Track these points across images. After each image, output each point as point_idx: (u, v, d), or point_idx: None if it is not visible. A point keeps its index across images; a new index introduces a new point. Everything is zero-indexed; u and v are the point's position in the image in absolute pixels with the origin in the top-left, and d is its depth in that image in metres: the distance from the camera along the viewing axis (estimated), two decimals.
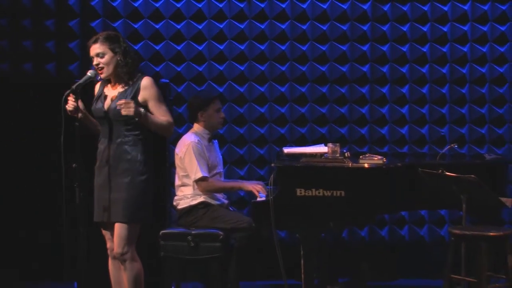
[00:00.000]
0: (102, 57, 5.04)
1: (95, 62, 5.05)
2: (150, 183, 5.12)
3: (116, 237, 5.06)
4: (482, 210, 5.53)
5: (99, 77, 5.09)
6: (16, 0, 6.76)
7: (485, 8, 6.99)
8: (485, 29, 6.99)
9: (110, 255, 5.24)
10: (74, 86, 4.89)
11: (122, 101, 4.91)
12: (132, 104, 4.90)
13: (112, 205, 5.04)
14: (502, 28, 6.99)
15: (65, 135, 4.77)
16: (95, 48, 5.05)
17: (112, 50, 5.05)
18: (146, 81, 5.08)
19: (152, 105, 5.08)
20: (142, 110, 4.97)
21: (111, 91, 5.12)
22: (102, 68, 5.04)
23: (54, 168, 5.19)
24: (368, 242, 7.07)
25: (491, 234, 5.06)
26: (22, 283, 6.50)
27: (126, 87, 5.07)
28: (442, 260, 5.35)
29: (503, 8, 6.98)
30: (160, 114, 5.08)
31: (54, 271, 6.58)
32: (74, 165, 4.85)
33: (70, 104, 4.90)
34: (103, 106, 5.09)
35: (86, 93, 5.16)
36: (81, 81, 4.97)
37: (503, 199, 5.34)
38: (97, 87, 5.22)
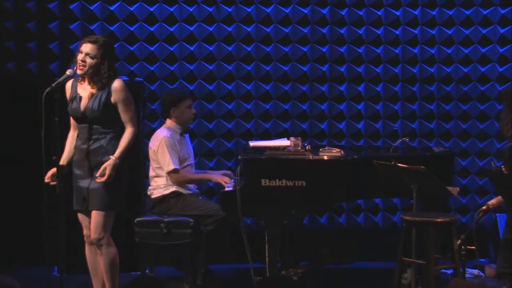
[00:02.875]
0: (90, 58, 4.97)
1: (81, 58, 4.97)
2: (124, 175, 5.09)
3: (93, 224, 5.03)
4: (431, 198, 5.57)
5: (77, 75, 5.04)
6: None
7: (433, 13, 7.04)
8: (433, 32, 7.05)
9: (87, 241, 5.20)
10: (54, 84, 4.84)
11: (102, 179, 4.91)
12: (107, 172, 4.89)
13: (90, 195, 5.01)
14: (449, 32, 7.04)
15: (46, 130, 4.72)
16: (89, 48, 4.97)
17: (102, 58, 4.97)
18: (116, 84, 5.01)
19: (120, 108, 5.02)
20: (113, 160, 4.92)
21: (85, 91, 5.05)
22: (84, 66, 4.98)
23: (35, 160, 5.14)
24: (327, 228, 7.10)
25: (439, 220, 5.10)
26: (5, 267, 6.42)
27: (99, 90, 5.02)
28: (395, 244, 5.38)
29: (450, 13, 7.04)
30: (125, 119, 5.02)
31: (36, 256, 6.55)
32: (54, 157, 4.82)
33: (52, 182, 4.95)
34: (79, 107, 5.03)
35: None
36: (60, 79, 4.91)
37: (450, 188, 5.39)
38: (68, 86, 5.12)
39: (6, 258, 6.51)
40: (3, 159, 6.55)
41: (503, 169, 5.27)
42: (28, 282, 5.84)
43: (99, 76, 4.99)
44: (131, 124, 5.05)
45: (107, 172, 4.93)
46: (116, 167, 4.95)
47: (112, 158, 4.95)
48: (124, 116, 5.04)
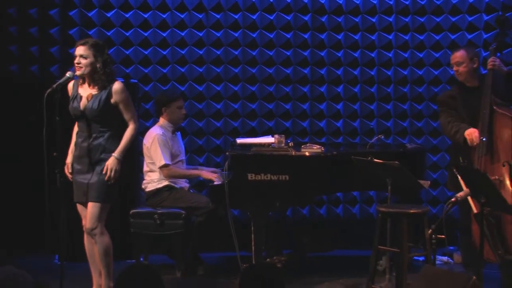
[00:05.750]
0: (84, 59, 4.97)
1: (76, 61, 4.97)
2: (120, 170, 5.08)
3: (88, 214, 5.01)
4: (404, 191, 5.60)
5: (77, 77, 5.04)
6: (3, 10, 6.66)
7: (406, 19, 7.08)
8: (406, 37, 7.09)
9: (85, 231, 5.19)
10: (55, 85, 4.84)
11: (109, 178, 4.95)
12: (108, 169, 4.93)
13: (89, 188, 5.00)
14: (421, 37, 7.09)
15: (47, 128, 4.72)
16: (81, 49, 4.97)
17: (95, 56, 4.96)
18: (117, 86, 5.00)
19: (121, 108, 5.02)
20: (113, 157, 4.95)
21: (85, 92, 5.04)
22: (81, 67, 4.98)
23: (37, 154, 5.12)
24: (308, 219, 7.13)
25: (412, 211, 5.13)
26: (9, 256, 6.41)
27: (99, 91, 5.02)
28: (371, 234, 5.41)
29: (422, 20, 7.08)
30: (127, 117, 5.04)
31: (38, 245, 6.54)
32: (55, 154, 4.82)
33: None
34: (79, 106, 5.02)
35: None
36: (61, 81, 4.92)
37: (422, 182, 5.41)
38: (70, 87, 5.10)
39: (8, 246, 6.49)
40: (7, 154, 6.53)
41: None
42: (29, 269, 5.81)
43: (98, 75, 4.99)
44: (133, 121, 5.06)
45: (109, 168, 4.94)
46: (118, 163, 4.97)
47: (113, 155, 4.97)
48: (126, 115, 5.04)
